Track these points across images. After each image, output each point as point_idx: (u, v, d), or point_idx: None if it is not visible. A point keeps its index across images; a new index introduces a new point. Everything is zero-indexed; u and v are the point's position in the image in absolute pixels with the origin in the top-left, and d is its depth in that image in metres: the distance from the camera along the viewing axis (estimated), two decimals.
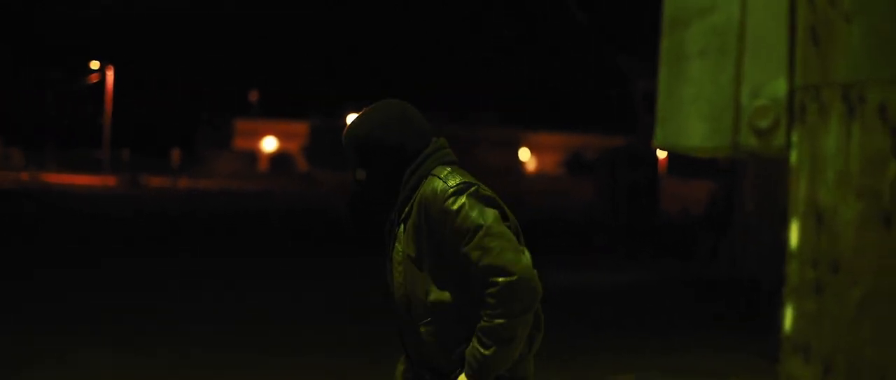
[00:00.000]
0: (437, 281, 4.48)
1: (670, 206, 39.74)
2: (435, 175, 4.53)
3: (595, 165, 35.84)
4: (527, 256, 4.36)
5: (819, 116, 2.47)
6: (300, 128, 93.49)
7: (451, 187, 4.45)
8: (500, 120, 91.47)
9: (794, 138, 2.54)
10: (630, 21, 36.34)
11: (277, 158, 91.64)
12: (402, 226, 4.59)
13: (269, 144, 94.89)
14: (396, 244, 4.61)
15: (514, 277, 4.29)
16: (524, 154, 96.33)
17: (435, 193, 4.47)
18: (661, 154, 36.92)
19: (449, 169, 4.55)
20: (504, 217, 4.44)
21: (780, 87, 2.60)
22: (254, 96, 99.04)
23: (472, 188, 4.44)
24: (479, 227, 4.35)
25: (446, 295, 4.47)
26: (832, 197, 2.43)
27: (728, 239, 26.44)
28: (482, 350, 4.33)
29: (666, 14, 2.71)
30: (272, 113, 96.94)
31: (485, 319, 4.33)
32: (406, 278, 4.56)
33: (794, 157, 2.54)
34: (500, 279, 4.29)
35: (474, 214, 4.37)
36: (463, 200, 4.41)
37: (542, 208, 46.83)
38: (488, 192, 4.48)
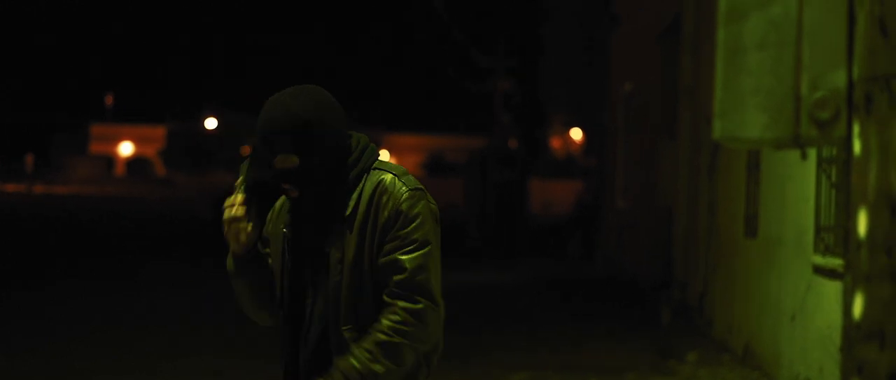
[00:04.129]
0: (374, 287, 4.04)
1: (534, 206, 40.09)
2: (382, 170, 4.09)
3: (464, 165, 35.90)
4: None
5: (889, 106, 2.52)
6: (157, 132, 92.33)
7: (410, 190, 4.04)
8: (359, 121, 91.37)
9: (857, 129, 2.59)
10: (490, 20, 36.48)
11: (134, 162, 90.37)
12: (341, 223, 4.08)
13: (126, 149, 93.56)
14: (334, 246, 4.06)
15: (437, 307, 4.03)
16: (384, 156, 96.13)
17: (391, 192, 4.02)
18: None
19: (392, 165, 4.12)
20: None
21: (839, 78, 2.65)
22: (109, 100, 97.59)
23: (427, 197, 4.05)
24: (428, 243, 4.01)
25: (373, 306, 4.05)
26: None
27: (600, 238, 26.73)
28: (372, 365, 3.94)
29: (722, 7, 2.74)
30: (128, 117, 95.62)
31: (385, 333, 3.96)
32: (350, 282, 4.04)
33: (857, 147, 2.59)
34: (426, 302, 3.99)
35: (427, 227, 4.03)
36: (420, 207, 4.03)
37: None
38: (435, 207, 4.11)
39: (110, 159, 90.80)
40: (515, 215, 30.93)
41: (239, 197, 4.11)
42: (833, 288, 9.39)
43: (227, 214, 4.10)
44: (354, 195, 4.08)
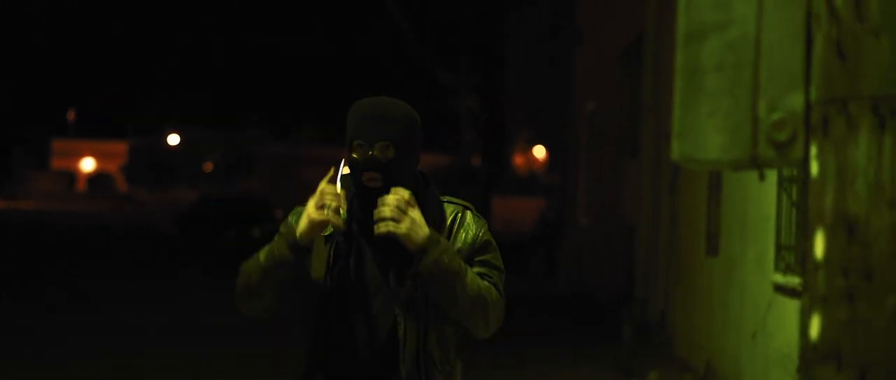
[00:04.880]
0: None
1: (497, 223, 40.11)
2: (454, 202, 4.33)
3: None
4: None
5: (846, 128, 2.53)
6: (119, 147, 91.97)
7: (484, 222, 4.31)
8: (321, 137, 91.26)
9: (815, 150, 2.61)
10: (453, 37, 36.56)
11: (96, 178, 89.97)
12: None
13: (88, 165, 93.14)
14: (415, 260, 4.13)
15: (502, 300, 4.26)
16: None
17: (476, 222, 4.27)
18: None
19: (460, 200, 4.39)
20: None
21: (797, 100, 2.67)
22: (71, 116, 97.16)
23: None
24: (503, 270, 4.30)
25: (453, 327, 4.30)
26: (863, 207, 2.49)
27: (562, 255, 26.78)
28: (459, 266, 4.10)
29: (680, 28, 2.76)
30: (90, 133, 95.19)
31: (480, 279, 4.18)
32: (427, 298, 4.18)
33: (815, 168, 2.61)
34: (500, 301, 4.23)
35: (499, 255, 4.32)
36: (491, 237, 4.30)
37: None
38: None
39: (72, 175, 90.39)
40: None
41: (336, 187, 4.16)
42: (793, 307, 9.44)
43: (321, 199, 4.12)
44: (449, 219, 4.25)
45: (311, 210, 4.13)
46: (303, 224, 4.14)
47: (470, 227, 4.26)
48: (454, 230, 4.25)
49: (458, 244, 4.22)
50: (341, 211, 4.13)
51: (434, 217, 4.21)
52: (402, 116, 4.16)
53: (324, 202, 4.11)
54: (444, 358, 4.23)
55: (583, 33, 24.95)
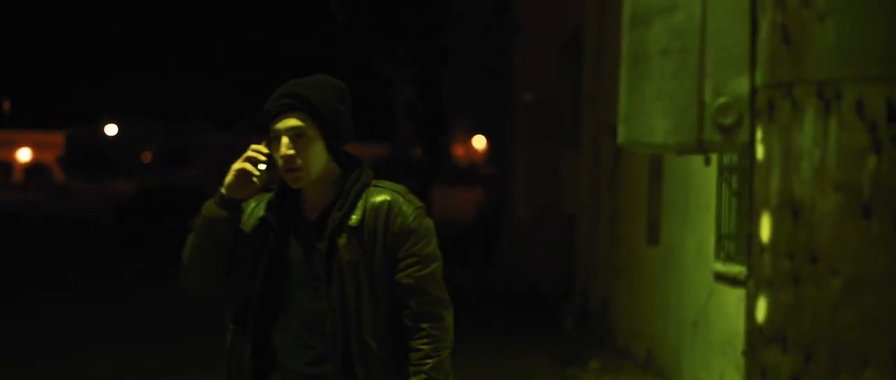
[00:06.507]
0: (386, 301, 4.18)
1: (436, 214, 40.12)
2: (384, 187, 4.22)
3: None
4: None
5: (792, 112, 2.54)
6: (56, 138, 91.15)
7: (417, 207, 4.22)
8: (252, 127, 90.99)
9: (760, 134, 2.62)
10: (391, 26, 36.49)
11: (32, 168, 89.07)
12: (345, 234, 4.15)
13: (24, 155, 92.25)
14: (339, 251, 4.14)
15: (451, 307, 4.23)
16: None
17: (400, 208, 4.17)
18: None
19: (391, 183, 4.28)
20: None
21: (742, 84, 2.68)
22: (6, 106, 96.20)
23: (427, 216, 4.26)
24: (437, 258, 4.22)
25: (384, 320, 4.19)
26: (809, 190, 2.51)
27: (502, 246, 26.81)
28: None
29: (626, 12, 2.76)
30: (25, 123, 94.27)
31: (433, 355, 4.14)
32: (357, 289, 4.14)
33: (760, 152, 2.62)
34: (448, 313, 4.21)
35: (435, 242, 4.24)
36: (428, 223, 4.22)
37: None
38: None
39: (8, 165, 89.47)
40: None
41: (263, 147, 4.20)
42: (734, 295, 9.49)
43: (248, 153, 4.19)
44: (360, 206, 4.18)
45: (237, 164, 4.21)
46: (228, 176, 4.21)
47: (398, 215, 4.18)
48: (381, 219, 4.17)
49: (392, 232, 4.16)
50: (260, 173, 4.19)
51: (359, 204, 4.19)
52: (306, 103, 4.15)
53: (249, 156, 4.19)
54: (379, 343, 4.18)
55: (521, 24, 24.99)
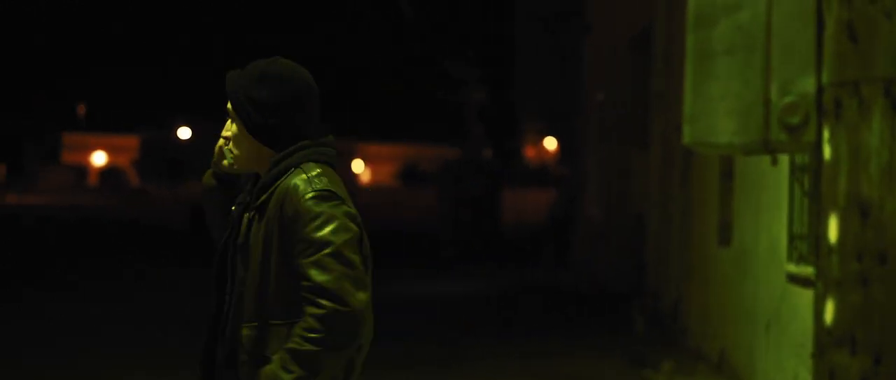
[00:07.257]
0: (278, 285, 4.04)
1: (508, 215, 40.04)
2: (302, 170, 4.08)
3: (437, 175, 35.89)
4: (366, 295, 3.96)
5: (859, 111, 2.51)
6: (130, 141, 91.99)
7: (315, 190, 4.02)
8: (333, 131, 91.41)
9: (827, 134, 2.58)
10: (461, 28, 36.48)
11: (108, 172, 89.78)
12: (252, 214, 4.14)
13: (99, 159, 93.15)
14: (240, 232, 4.15)
15: (346, 309, 3.91)
16: (358, 166, 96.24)
17: (296, 190, 4.03)
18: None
19: (320, 169, 4.10)
20: (359, 244, 4.05)
21: (808, 83, 2.64)
22: (82, 109, 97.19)
23: (337, 200, 4.02)
24: (328, 244, 3.95)
25: (278, 304, 4.05)
26: (877, 190, 2.47)
27: (573, 246, 26.74)
28: (283, 375, 3.92)
29: (691, 12, 2.73)
30: (101, 126, 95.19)
31: (296, 341, 3.92)
32: (248, 271, 4.10)
33: (827, 152, 2.58)
34: (330, 305, 3.91)
35: (329, 228, 3.97)
36: (324, 208, 3.99)
37: (382, 220, 46.72)
38: (353, 210, 4.07)
39: (83, 169, 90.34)
40: (489, 225, 30.94)
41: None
42: (807, 296, 9.35)
43: (224, 131, 4.32)
44: (274, 188, 4.13)
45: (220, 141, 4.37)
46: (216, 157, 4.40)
47: (293, 197, 4.06)
48: (279, 201, 4.08)
49: (286, 215, 4.07)
50: (232, 149, 4.29)
51: (274, 187, 4.17)
52: (228, 82, 4.29)
53: (224, 134, 4.34)
54: (253, 329, 4.11)
55: (593, 22, 24.90)
